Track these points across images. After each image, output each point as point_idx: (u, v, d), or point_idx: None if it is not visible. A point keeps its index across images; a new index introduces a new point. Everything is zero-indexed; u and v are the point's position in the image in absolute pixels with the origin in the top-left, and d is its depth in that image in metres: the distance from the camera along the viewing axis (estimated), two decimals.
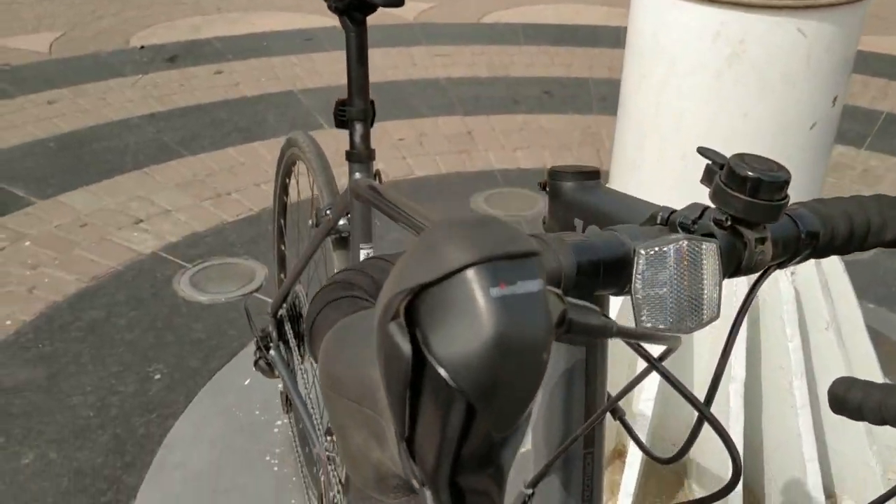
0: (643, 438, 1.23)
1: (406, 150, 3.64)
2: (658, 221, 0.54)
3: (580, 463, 0.67)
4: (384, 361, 0.32)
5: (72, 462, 1.93)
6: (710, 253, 0.50)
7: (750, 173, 0.53)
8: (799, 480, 1.51)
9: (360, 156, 1.24)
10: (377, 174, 1.27)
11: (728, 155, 0.56)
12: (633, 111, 1.54)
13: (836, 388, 0.61)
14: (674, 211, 0.54)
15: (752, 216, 0.53)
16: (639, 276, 0.48)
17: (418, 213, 1.04)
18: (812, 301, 1.55)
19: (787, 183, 0.53)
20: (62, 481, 1.88)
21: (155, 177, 3.32)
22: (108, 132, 3.73)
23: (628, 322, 0.49)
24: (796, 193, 0.58)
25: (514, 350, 0.30)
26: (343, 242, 1.40)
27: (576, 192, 0.64)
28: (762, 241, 0.56)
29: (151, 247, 2.84)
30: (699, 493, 1.69)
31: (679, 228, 0.53)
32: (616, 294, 0.52)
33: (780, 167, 0.54)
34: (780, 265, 0.59)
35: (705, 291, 0.50)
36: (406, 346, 0.31)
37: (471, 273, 0.31)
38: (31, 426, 2.04)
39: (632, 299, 0.49)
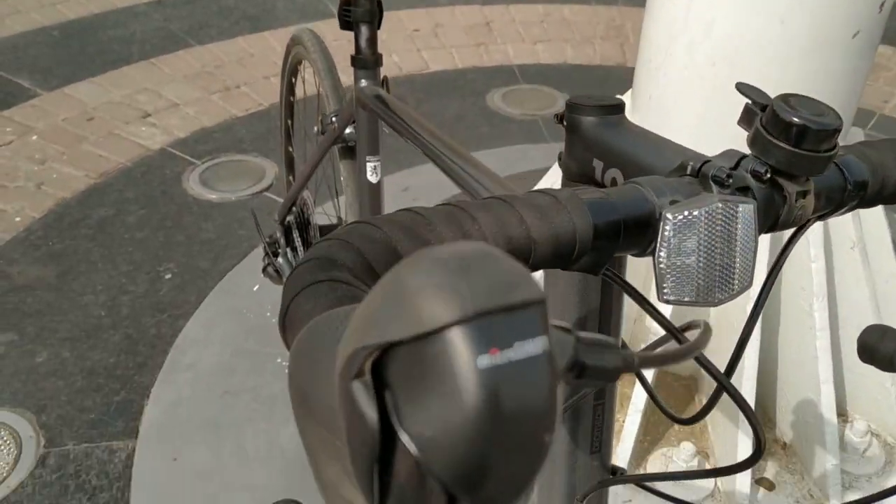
0: None
1: (421, 41, 3.50)
2: (688, 172, 0.48)
3: (590, 415, 0.64)
4: (346, 425, 0.26)
5: (85, 361, 1.94)
6: (746, 215, 0.44)
7: (796, 119, 0.46)
8: (812, 401, 1.49)
9: (366, 61, 1.16)
10: (384, 81, 1.19)
11: (770, 91, 0.49)
12: (661, 13, 1.43)
13: (867, 337, 0.56)
14: (707, 161, 0.48)
15: (796, 168, 0.47)
16: (664, 244, 0.43)
17: (425, 129, 0.97)
18: (839, 219, 1.49)
19: (837, 131, 0.46)
20: (76, 380, 1.89)
21: (162, 68, 3.22)
22: (114, 20, 3.61)
23: (646, 286, 0.44)
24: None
25: (506, 432, 0.24)
26: (349, 152, 1.33)
27: (596, 128, 0.57)
28: (804, 194, 0.49)
29: (160, 142, 2.78)
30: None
31: (712, 182, 0.47)
32: (637, 255, 0.46)
33: (831, 111, 0.47)
34: (821, 217, 0.53)
35: (738, 258, 0.44)
36: (372, 414, 0.25)
37: (453, 335, 0.23)
38: (43, 324, 2.05)
39: (654, 268, 0.43)
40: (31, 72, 3.16)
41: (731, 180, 0.47)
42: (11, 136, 2.76)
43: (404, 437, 0.25)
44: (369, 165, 1.21)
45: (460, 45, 3.49)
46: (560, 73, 3.32)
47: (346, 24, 1.19)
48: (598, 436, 0.65)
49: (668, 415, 0.60)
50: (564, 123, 0.59)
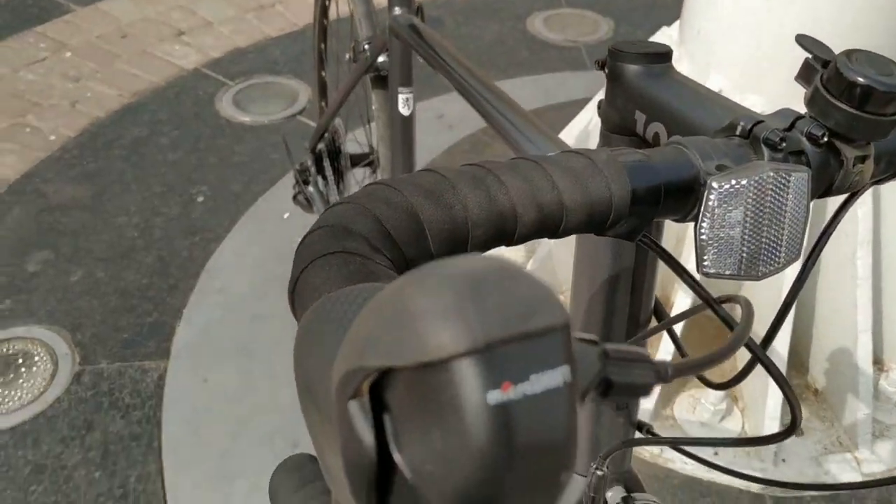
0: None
1: None
2: (738, 133, 0.44)
3: None
4: (342, 445, 0.24)
5: (118, 282, 1.97)
6: (799, 185, 0.40)
7: (860, 79, 0.42)
8: (848, 350, 1.46)
9: None
10: (419, 9, 1.15)
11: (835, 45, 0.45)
12: None
13: None
14: (759, 121, 0.44)
15: (857, 132, 0.43)
16: (707, 214, 0.39)
17: (459, 63, 0.93)
18: None
19: None
20: (110, 300, 1.92)
21: None
22: None
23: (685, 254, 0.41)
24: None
25: (517, 472, 0.21)
26: (381, 82, 1.29)
27: (640, 77, 0.53)
28: (863, 159, 0.45)
29: (194, 62, 2.75)
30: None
31: (763, 146, 0.43)
32: (678, 221, 0.43)
33: None
34: (878, 182, 0.49)
35: (787, 230, 0.41)
36: (369, 439, 0.23)
37: (460, 367, 0.21)
38: (78, 244, 2.07)
39: (695, 238, 0.40)
40: None
41: (784, 144, 0.43)
42: (45, 53, 2.74)
43: (403, 467, 0.23)
44: (401, 97, 1.18)
45: None
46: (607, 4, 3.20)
47: None
48: (625, 403, 0.63)
49: (702, 380, 0.58)
50: (606, 71, 0.55)
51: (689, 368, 0.34)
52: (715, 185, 0.39)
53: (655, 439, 0.64)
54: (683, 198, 0.41)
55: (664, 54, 0.53)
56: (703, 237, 0.40)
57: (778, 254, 0.41)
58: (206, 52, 2.79)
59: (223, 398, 1.70)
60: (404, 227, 0.36)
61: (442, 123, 2.46)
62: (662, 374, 0.30)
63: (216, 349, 1.80)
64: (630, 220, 0.41)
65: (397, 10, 1.13)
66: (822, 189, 0.46)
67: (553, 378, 0.22)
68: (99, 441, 1.62)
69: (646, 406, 1.47)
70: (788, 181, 0.40)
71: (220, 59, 2.76)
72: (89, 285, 1.95)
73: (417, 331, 0.21)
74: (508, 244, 0.40)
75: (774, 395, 1.43)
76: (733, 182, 0.39)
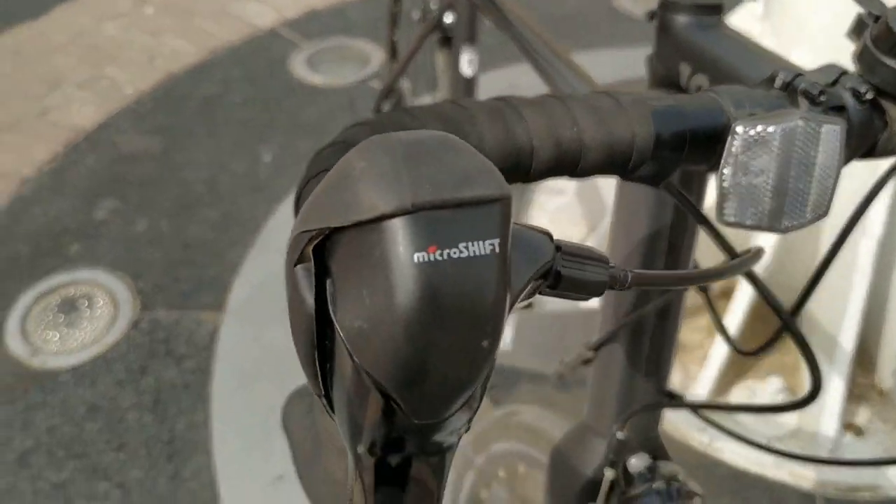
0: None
1: None
2: (777, 85, 0.42)
3: (648, 334, 0.60)
4: (290, 309, 0.25)
5: (182, 234, 2.00)
6: (831, 138, 0.38)
7: None
8: None
9: None
10: None
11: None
12: None
13: None
14: (799, 74, 0.41)
15: None
16: (730, 160, 0.37)
17: (526, 26, 0.90)
18: None
19: None
20: (172, 251, 1.96)
21: None
22: None
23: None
24: None
25: (439, 333, 0.22)
26: (447, 42, 1.27)
27: (689, 29, 0.52)
28: None
29: (269, 21, 2.76)
30: (810, 338, 1.58)
31: (801, 98, 0.41)
32: (706, 171, 0.42)
33: None
34: None
35: (815, 184, 0.38)
36: (309, 301, 0.24)
37: (390, 226, 0.22)
38: (145, 195, 2.11)
39: (717, 185, 0.38)
40: None
41: (823, 97, 0.41)
42: (127, 8, 2.80)
43: (337, 328, 0.24)
44: (464, 57, 1.15)
45: None
46: None
47: None
48: (655, 359, 0.61)
49: (730, 344, 0.55)
50: (656, 22, 0.53)
51: (654, 281, 0.34)
52: (739, 130, 0.37)
53: (676, 403, 0.62)
54: (711, 146, 0.39)
55: (715, 6, 0.52)
56: (725, 184, 0.38)
57: (804, 207, 0.39)
58: (282, 12, 2.80)
59: (273, 355, 1.71)
60: None
61: (513, 92, 2.41)
62: (619, 277, 0.31)
63: (270, 306, 1.82)
64: (653, 164, 0.39)
65: None
66: (863, 150, 0.44)
67: (481, 247, 0.23)
68: (152, 386, 1.65)
69: (699, 392, 1.42)
70: (819, 132, 0.38)
71: (295, 19, 2.77)
72: (153, 235, 2.00)
73: (353, 192, 0.23)
74: (526, 180, 0.39)
75: (834, 390, 1.37)
76: (759, 129, 0.37)
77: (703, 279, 0.38)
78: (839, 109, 0.41)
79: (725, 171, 0.38)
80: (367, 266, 0.23)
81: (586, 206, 1.82)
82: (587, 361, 0.66)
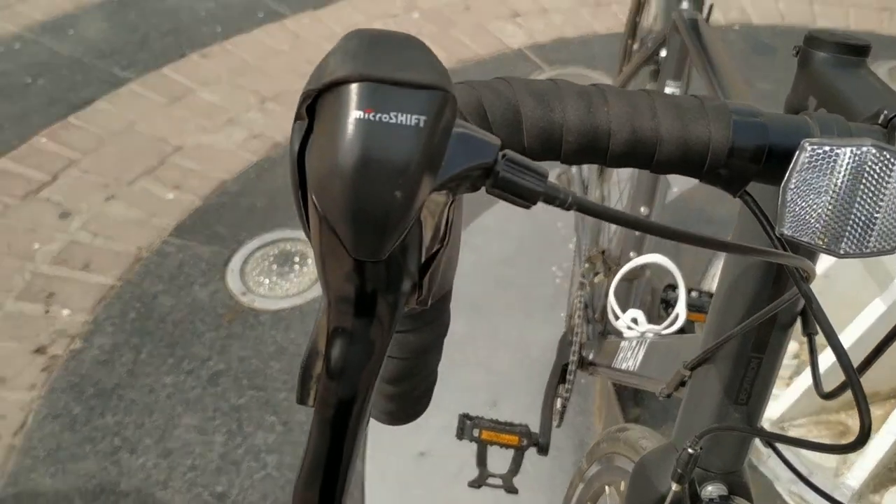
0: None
1: None
2: (880, 120, 0.42)
3: (744, 364, 0.61)
4: (290, 162, 0.32)
5: None
6: None
7: None
8: None
9: None
10: (710, 7, 1.13)
11: None
12: None
13: None
14: None
15: None
16: (795, 172, 0.38)
17: (727, 71, 0.91)
18: None
19: None
20: None
21: None
22: None
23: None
24: None
25: (368, 179, 0.29)
26: (656, 75, 1.30)
27: (828, 66, 0.52)
28: None
29: (520, 42, 2.90)
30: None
31: None
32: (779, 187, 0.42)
33: None
34: None
35: (883, 215, 0.38)
36: (294, 147, 0.31)
37: (343, 89, 0.29)
38: None
39: (780, 196, 0.39)
40: None
41: None
42: (398, 10, 3.06)
43: (307, 172, 0.31)
44: (668, 90, 1.18)
45: (861, 3, 3.11)
46: None
47: None
48: (748, 391, 0.62)
49: (817, 388, 0.55)
50: (797, 56, 0.54)
51: (593, 209, 0.35)
52: (808, 145, 0.38)
53: (748, 430, 0.62)
54: (788, 163, 0.40)
55: (861, 48, 0.52)
56: (788, 195, 0.39)
57: (867, 236, 0.39)
58: (534, 36, 2.93)
59: (447, 343, 1.81)
60: (501, 113, 0.41)
61: None
62: (560, 194, 0.34)
63: (454, 302, 1.92)
64: (729, 171, 0.41)
65: (684, 5, 1.13)
66: None
67: (408, 119, 0.29)
68: None
69: (851, 483, 1.33)
70: (893, 163, 0.38)
71: (544, 44, 2.89)
72: None
73: (329, 63, 0.30)
74: (604, 162, 0.42)
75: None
76: (827, 148, 0.38)
77: (651, 229, 0.37)
78: None
79: (791, 183, 0.39)
80: (327, 121, 0.29)
81: None
82: (684, 382, 0.68)
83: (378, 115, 0.29)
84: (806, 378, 1.44)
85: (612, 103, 0.41)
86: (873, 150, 0.37)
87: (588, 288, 1.43)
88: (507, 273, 2.00)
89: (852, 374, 0.44)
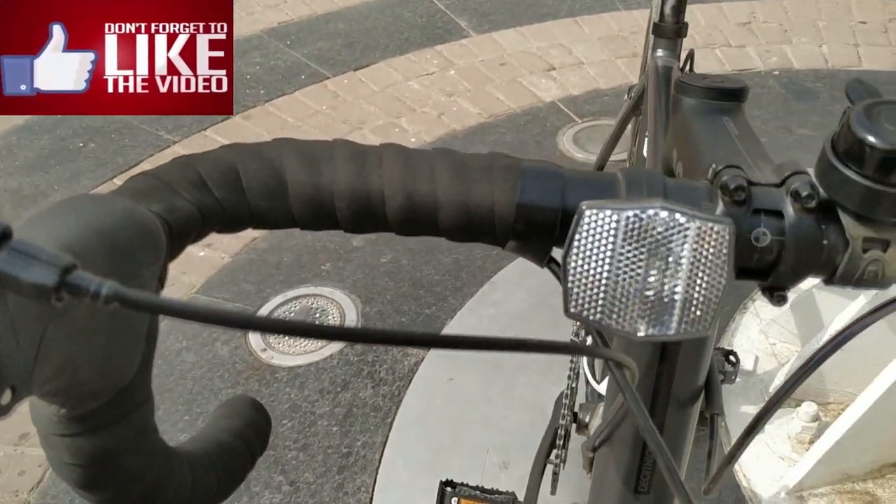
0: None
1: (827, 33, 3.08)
2: (709, 175, 0.39)
3: (640, 447, 0.55)
4: None
5: (416, 272, 2.17)
6: (707, 238, 0.33)
7: (873, 140, 0.33)
8: None
9: (666, 29, 1.08)
10: (689, 56, 1.11)
11: None
12: None
13: None
14: (732, 166, 0.38)
15: (868, 208, 0.35)
16: (573, 242, 0.35)
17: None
18: None
19: None
20: (403, 285, 2.13)
21: (583, 27, 3.32)
22: None
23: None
24: None
25: None
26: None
27: (693, 115, 0.48)
28: (883, 245, 0.36)
29: (553, 96, 2.90)
30: None
31: (722, 194, 0.37)
32: None
33: None
34: None
35: (681, 289, 0.34)
36: None
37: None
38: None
39: (562, 271, 0.36)
40: (472, 15, 3.49)
41: (742, 194, 0.37)
42: (434, 69, 3.11)
43: None
44: (647, 140, 1.15)
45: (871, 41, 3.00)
46: None
47: None
48: (648, 475, 0.56)
49: None
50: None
51: (140, 302, 0.26)
52: (586, 209, 0.34)
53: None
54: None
55: (733, 92, 0.48)
56: (569, 268, 0.35)
57: (669, 315, 0.34)
58: (568, 88, 2.92)
59: (460, 398, 1.79)
60: (260, 179, 0.38)
61: None
62: (91, 285, 0.25)
63: (470, 354, 1.90)
64: (524, 238, 0.38)
65: (660, 52, 1.11)
66: (814, 270, 0.38)
67: None
68: (347, 401, 1.81)
69: None
70: (686, 228, 0.33)
71: (577, 96, 2.88)
72: (392, 268, 2.18)
73: None
74: (387, 230, 0.39)
75: None
76: (608, 212, 0.34)
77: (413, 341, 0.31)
78: (774, 214, 0.37)
79: (570, 253, 0.35)
80: None
81: (800, 318, 1.66)
82: (591, 461, 0.62)
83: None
84: (826, 441, 1.35)
85: (386, 166, 0.38)
86: (662, 214, 0.33)
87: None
88: (525, 329, 1.96)
89: (674, 475, 0.40)
